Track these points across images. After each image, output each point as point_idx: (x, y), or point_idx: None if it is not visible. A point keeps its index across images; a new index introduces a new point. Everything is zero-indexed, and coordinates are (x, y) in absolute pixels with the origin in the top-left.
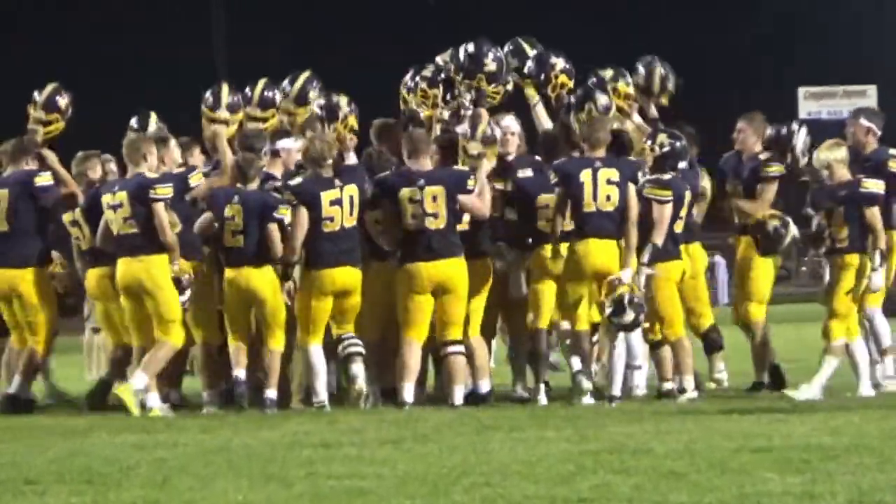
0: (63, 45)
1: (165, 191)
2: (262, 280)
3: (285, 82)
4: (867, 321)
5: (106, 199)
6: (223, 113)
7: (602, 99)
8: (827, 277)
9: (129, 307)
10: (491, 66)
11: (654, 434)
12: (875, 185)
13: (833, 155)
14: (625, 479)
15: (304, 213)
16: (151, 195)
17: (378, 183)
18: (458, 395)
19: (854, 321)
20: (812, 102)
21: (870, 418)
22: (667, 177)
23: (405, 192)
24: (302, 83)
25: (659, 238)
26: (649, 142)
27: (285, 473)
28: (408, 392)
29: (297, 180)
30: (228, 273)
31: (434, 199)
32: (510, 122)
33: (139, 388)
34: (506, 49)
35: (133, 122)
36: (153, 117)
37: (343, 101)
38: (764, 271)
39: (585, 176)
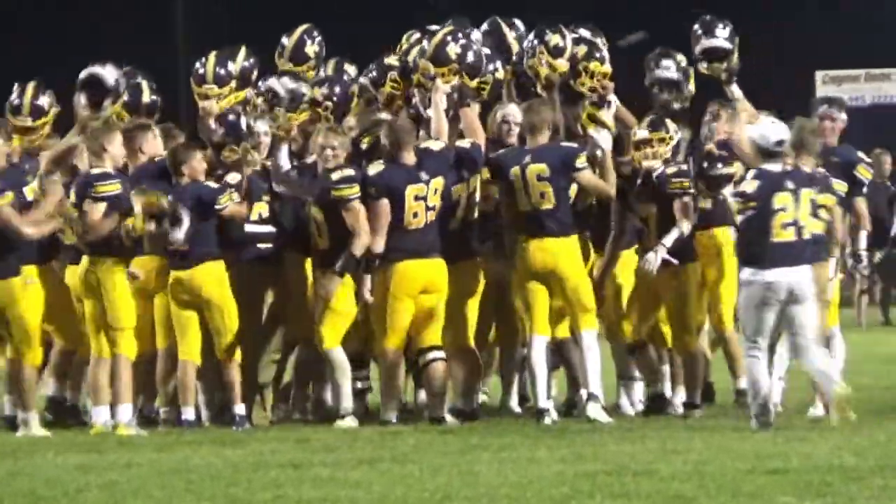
0: (63, 45)
1: (108, 188)
2: (208, 278)
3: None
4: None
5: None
6: (210, 87)
7: (554, 38)
8: None
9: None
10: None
11: (659, 454)
12: (840, 186)
13: None
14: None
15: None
16: (91, 193)
17: (374, 180)
18: (443, 407)
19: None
20: (831, 87)
21: None
22: (685, 167)
23: (411, 189)
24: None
25: (686, 227)
26: (666, 131)
27: (250, 497)
28: (393, 412)
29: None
30: (171, 276)
31: (435, 192)
32: (512, 110)
33: (128, 420)
34: (483, 28)
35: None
36: (146, 89)
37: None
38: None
39: (514, 173)
